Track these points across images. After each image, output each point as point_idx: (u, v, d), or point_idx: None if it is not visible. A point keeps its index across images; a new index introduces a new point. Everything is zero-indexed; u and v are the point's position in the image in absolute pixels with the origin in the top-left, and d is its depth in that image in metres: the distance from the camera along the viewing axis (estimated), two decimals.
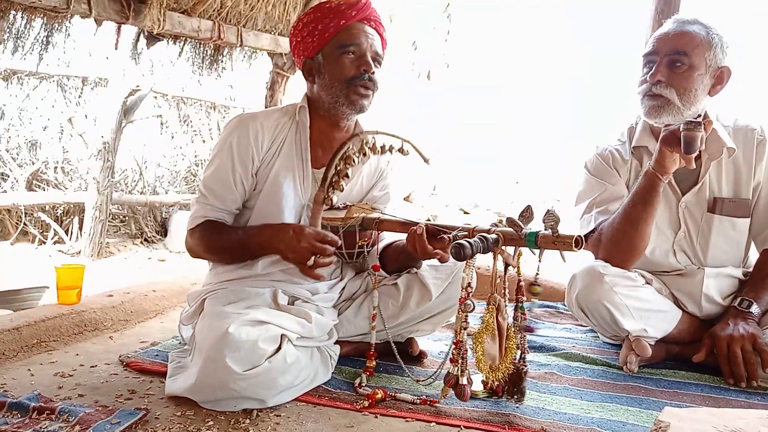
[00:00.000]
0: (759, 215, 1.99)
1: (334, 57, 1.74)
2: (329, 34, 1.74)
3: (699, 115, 1.83)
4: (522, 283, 1.57)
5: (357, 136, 1.80)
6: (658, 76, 1.86)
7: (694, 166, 1.80)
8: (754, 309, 1.89)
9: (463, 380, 1.51)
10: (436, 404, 1.56)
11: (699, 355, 1.88)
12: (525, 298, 1.58)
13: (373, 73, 1.76)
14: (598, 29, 10.30)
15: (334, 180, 1.74)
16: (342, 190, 1.77)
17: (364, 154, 1.79)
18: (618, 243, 1.87)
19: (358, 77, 1.73)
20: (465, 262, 1.48)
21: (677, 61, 1.85)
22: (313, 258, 1.61)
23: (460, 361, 1.50)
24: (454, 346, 1.52)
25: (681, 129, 1.70)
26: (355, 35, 1.74)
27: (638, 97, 1.93)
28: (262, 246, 1.70)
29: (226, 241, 1.74)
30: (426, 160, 1.80)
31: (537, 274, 1.52)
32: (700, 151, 1.91)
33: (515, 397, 1.58)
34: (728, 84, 1.92)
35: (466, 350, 1.52)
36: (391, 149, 1.81)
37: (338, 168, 1.74)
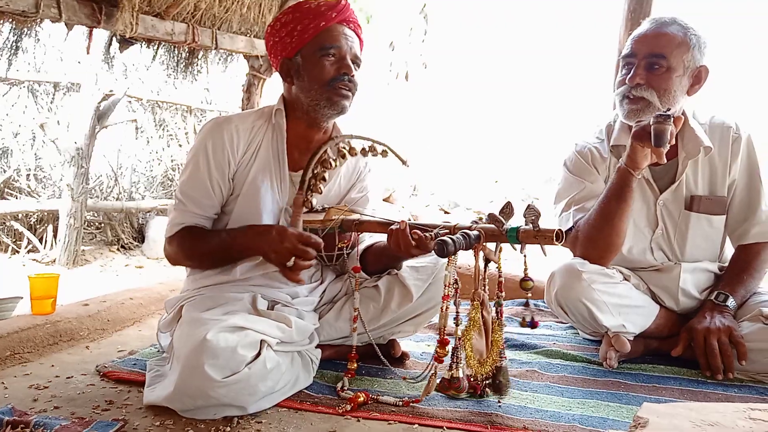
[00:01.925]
0: (734, 211, 2.02)
1: (314, 59, 1.73)
2: (309, 36, 1.73)
3: (669, 108, 1.85)
4: (502, 280, 1.58)
5: (333, 139, 1.78)
6: (637, 78, 1.87)
7: (665, 161, 1.82)
8: (730, 302, 1.92)
9: (459, 373, 1.54)
10: (419, 406, 1.56)
11: (677, 349, 1.90)
12: (503, 294, 1.59)
13: (353, 75, 1.75)
14: (573, 27, 10.41)
15: (312, 183, 1.74)
16: (320, 193, 1.77)
17: (343, 157, 1.78)
18: (594, 239, 1.89)
19: (338, 78, 1.73)
20: (447, 259, 1.49)
21: (655, 64, 1.87)
22: (293, 259, 1.60)
23: (455, 359, 1.54)
24: (439, 345, 1.53)
25: (651, 122, 1.71)
26: (335, 37, 1.73)
27: (617, 98, 1.95)
28: (246, 247, 1.68)
29: (208, 245, 1.72)
30: (404, 162, 1.79)
31: (525, 269, 1.53)
32: (675, 148, 1.94)
33: (494, 391, 1.59)
34: (706, 83, 1.94)
35: (456, 347, 1.54)
36: (369, 151, 1.80)
37: (315, 171, 1.74)
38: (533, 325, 1.59)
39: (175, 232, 1.74)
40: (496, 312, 1.58)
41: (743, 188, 2.00)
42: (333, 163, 1.76)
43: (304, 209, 1.73)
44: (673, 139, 1.76)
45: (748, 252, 2.01)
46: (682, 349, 1.90)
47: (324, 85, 1.73)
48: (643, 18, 2.08)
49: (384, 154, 1.80)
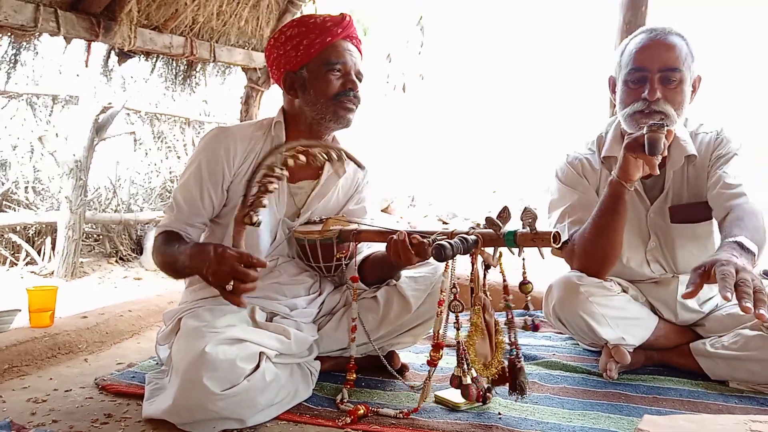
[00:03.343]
0: (714, 204, 1.86)
1: (320, 74, 1.75)
2: (315, 51, 1.74)
3: (662, 117, 1.81)
4: (507, 283, 1.58)
5: (277, 149, 1.62)
6: (657, 93, 1.82)
7: (658, 172, 1.79)
8: (755, 251, 1.59)
9: (467, 380, 1.54)
10: (419, 418, 1.56)
11: (691, 291, 1.47)
12: (512, 297, 1.59)
13: (358, 90, 1.78)
14: (569, 37, 10.47)
15: (255, 197, 1.55)
16: (265, 207, 1.56)
17: (286, 167, 1.61)
18: (590, 253, 1.87)
19: (344, 93, 1.75)
20: (445, 266, 1.50)
21: (671, 78, 1.83)
22: (232, 283, 1.45)
23: (463, 363, 1.54)
24: (433, 349, 1.54)
25: (645, 131, 1.69)
26: (341, 53, 1.76)
27: (626, 113, 1.87)
28: (186, 265, 1.60)
29: (167, 255, 1.69)
30: (360, 166, 1.75)
31: (524, 272, 1.53)
32: (665, 160, 1.92)
33: (516, 392, 1.59)
34: (699, 90, 1.93)
35: (465, 350, 1.54)
36: (321, 157, 1.65)
37: (260, 182, 1.57)
38: (536, 327, 1.59)
39: (158, 234, 1.75)
40: (507, 315, 1.58)
41: (716, 177, 1.88)
42: (280, 173, 1.59)
43: (246, 225, 1.55)
44: (666, 151, 1.74)
45: (730, 217, 1.77)
46: (698, 289, 1.47)
47: (330, 99, 1.75)
48: (637, 29, 2.07)
49: (333, 160, 1.66)
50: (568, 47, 10.36)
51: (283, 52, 1.77)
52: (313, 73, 1.76)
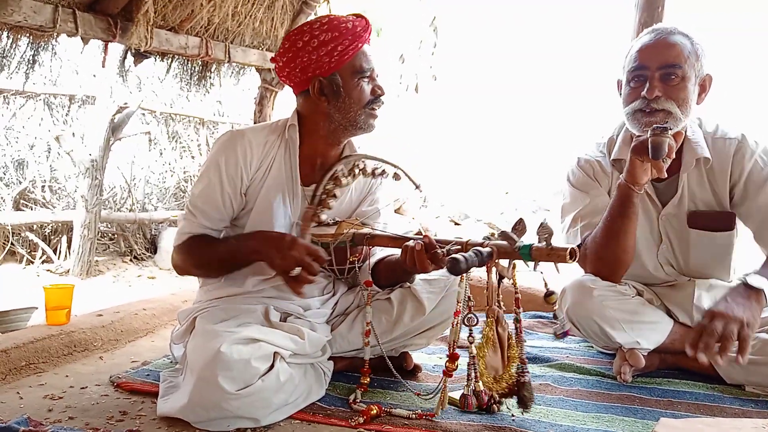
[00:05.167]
0: (760, 221, 1.87)
1: (353, 80, 1.74)
2: (348, 57, 1.72)
3: (666, 121, 1.78)
4: (519, 296, 1.58)
5: (348, 157, 1.79)
6: (656, 91, 1.80)
7: (666, 175, 1.77)
8: (764, 286, 1.64)
9: (478, 386, 1.55)
10: (432, 419, 1.56)
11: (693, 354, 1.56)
12: (521, 310, 1.59)
13: (384, 95, 1.79)
14: (583, 38, 10.41)
15: (322, 198, 1.74)
16: (330, 209, 1.76)
17: (353, 176, 1.78)
18: (602, 257, 1.86)
19: (375, 101, 1.77)
20: (460, 278, 1.49)
21: (671, 74, 1.80)
22: (298, 269, 1.58)
23: (473, 373, 1.56)
24: (449, 359, 1.53)
25: (648, 135, 1.67)
26: (369, 59, 1.77)
27: (628, 113, 1.86)
28: (253, 250, 1.67)
29: (216, 251, 1.73)
30: (417, 186, 1.79)
31: (546, 284, 1.52)
32: (678, 163, 1.90)
33: (521, 405, 1.58)
34: (710, 91, 1.90)
35: (474, 363, 1.54)
36: (381, 173, 1.80)
37: (327, 187, 1.75)
38: (565, 334, 1.62)
39: (183, 241, 1.75)
40: (515, 328, 1.58)
41: (764, 195, 1.86)
42: (344, 181, 1.77)
43: (313, 224, 1.74)
44: (673, 154, 1.71)
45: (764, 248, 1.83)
46: (695, 342, 1.56)
47: (363, 107, 1.76)
48: None
49: (396, 176, 1.79)
50: (582, 48, 10.30)
51: (316, 57, 1.71)
52: (347, 80, 1.74)
